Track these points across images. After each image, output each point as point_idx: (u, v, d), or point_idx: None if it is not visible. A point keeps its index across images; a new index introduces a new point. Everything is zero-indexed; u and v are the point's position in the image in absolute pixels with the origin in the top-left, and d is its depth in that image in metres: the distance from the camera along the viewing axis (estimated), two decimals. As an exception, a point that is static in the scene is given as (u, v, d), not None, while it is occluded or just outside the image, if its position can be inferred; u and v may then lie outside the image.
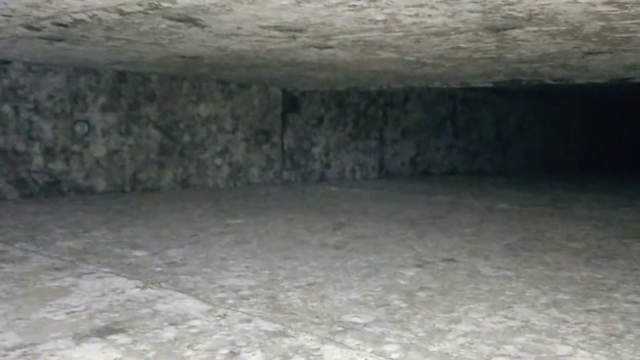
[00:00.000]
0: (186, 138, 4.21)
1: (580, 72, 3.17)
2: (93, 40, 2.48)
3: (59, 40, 2.48)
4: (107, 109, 3.79)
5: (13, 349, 1.24)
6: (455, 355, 1.25)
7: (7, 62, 3.37)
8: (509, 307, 1.64)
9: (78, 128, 3.65)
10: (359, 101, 5.33)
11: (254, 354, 1.25)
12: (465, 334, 1.40)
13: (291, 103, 4.89)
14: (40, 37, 2.44)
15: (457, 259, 2.24)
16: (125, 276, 1.87)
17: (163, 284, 1.79)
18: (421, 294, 1.77)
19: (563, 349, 1.30)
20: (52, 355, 1.22)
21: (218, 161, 4.42)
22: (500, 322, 1.50)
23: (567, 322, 1.50)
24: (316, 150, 5.08)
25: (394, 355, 1.25)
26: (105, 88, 3.77)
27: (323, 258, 2.21)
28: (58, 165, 3.59)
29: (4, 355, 1.21)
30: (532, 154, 7.23)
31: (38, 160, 3.50)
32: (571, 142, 7.86)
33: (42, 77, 3.50)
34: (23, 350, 1.24)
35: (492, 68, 3.09)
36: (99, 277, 1.83)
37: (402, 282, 1.90)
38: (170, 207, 3.45)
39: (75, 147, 3.66)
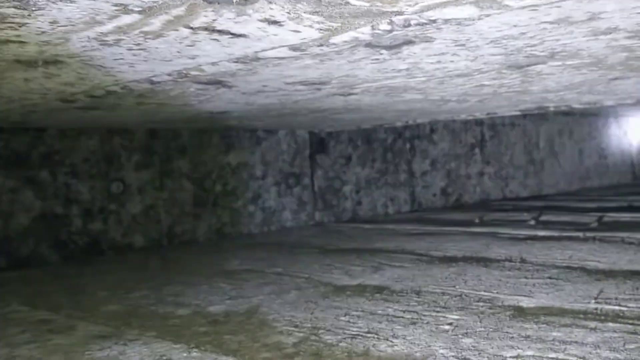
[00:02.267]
0: (218, 188, 4.28)
1: (607, 96, 3.15)
2: (125, 107, 2.56)
3: (93, 109, 2.57)
4: (141, 166, 3.88)
5: None
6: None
7: (43, 130, 3.49)
8: (563, 350, 1.62)
9: (114, 187, 3.74)
10: (385, 136, 5.35)
11: (305, 421, 1.25)
12: (516, 384, 1.38)
13: (319, 144, 4.93)
14: (75, 108, 2.53)
15: (499, 297, 2.21)
16: (170, 340, 1.89)
17: (208, 347, 1.80)
18: (467, 340, 1.75)
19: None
20: None
21: (251, 208, 4.47)
22: (551, 368, 1.47)
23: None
24: (347, 188, 5.10)
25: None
26: (138, 146, 3.87)
27: (365, 305, 2.21)
28: (96, 225, 3.67)
29: None
30: (567, 174, 7.13)
31: (77, 222, 3.59)
32: (606, 156, 7.74)
33: (77, 140, 3.61)
34: None
35: (518, 99, 3.09)
36: (145, 345, 1.86)
37: (446, 327, 1.88)
38: (208, 259, 3.49)
39: (112, 206, 3.75)
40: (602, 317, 1.90)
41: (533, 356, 1.58)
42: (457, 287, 2.45)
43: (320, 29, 1.32)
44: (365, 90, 2.46)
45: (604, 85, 2.68)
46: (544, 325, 1.86)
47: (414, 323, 1.96)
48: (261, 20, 1.23)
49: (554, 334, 1.76)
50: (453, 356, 1.62)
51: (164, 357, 1.72)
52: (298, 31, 1.32)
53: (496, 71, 2.14)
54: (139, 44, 1.42)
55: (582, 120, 7.39)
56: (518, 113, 4.00)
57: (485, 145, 6.25)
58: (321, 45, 1.51)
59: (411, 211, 5.55)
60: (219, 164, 4.29)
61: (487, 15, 1.31)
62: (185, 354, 1.74)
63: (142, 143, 3.90)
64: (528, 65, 2.07)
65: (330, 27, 1.30)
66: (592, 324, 1.83)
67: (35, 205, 3.45)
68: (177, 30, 1.29)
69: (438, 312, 2.08)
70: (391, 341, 1.78)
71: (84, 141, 3.65)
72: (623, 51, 1.84)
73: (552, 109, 3.76)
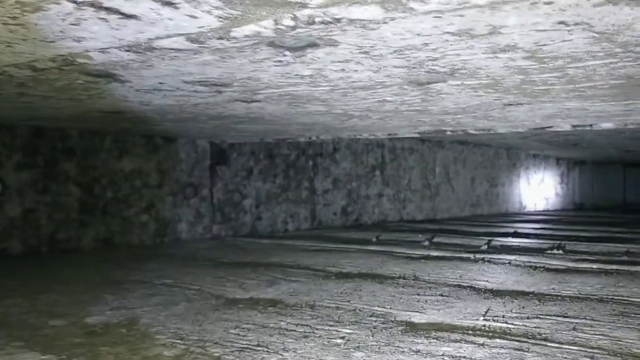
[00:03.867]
0: (109, 194, 4.04)
1: (501, 122, 3.27)
2: (4, 97, 2.34)
3: (-33, 96, 2.33)
4: (23, 166, 3.59)
5: None
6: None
7: None
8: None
9: (-10, 187, 3.43)
10: (288, 152, 5.32)
11: None
12: None
13: (220, 155, 4.81)
14: (-55, 93, 2.29)
15: (392, 312, 2.19)
16: (38, 350, 1.71)
17: (81, 358, 1.64)
18: (358, 353, 1.70)
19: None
20: None
21: (144, 217, 4.25)
22: None
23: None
24: (247, 202, 4.99)
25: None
26: (20, 145, 3.58)
27: (257, 318, 2.12)
28: (-33, 228, 3.34)
29: None
30: (460, 200, 7.41)
31: (-56, 223, 3.25)
32: (495, 185, 8.13)
33: (-50, 134, 3.28)
34: None
35: (418, 119, 3.15)
36: (8, 354, 1.66)
37: (338, 340, 1.83)
38: (91, 269, 3.25)
39: (-13, 208, 3.42)
40: (490, 334, 1.92)
41: (423, 370, 1.56)
42: (351, 302, 2.41)
43: (220, 17, 1.24)
44: (268, 97, 2.40)
45: (499, 110, 2.78)
46: (435, 340, 1.85)
47: (306, 337, 1.89)
48: (154, 0, 1.14)
49: (444, 349, 1.76)
50: (343, 370, 1.56)
51: (27, 370, 1.54)
52: (195, 16, 1.23)
53: (398, 86, 2.15)
54: (15, 18, 1.28)
55: (475, 150, 7.73)
56: (417, 135, 4.10)
57: (385, 168, 6.37)
58: (221, 38, 1.43)
59: (311, 228, 5.53)
60: (111, 169, 4.05)
61: (392, 19, 1.29)
62: (52, 368, 1.57)
63: (25, 142, 3.61)
64: (429, 83, 2.09)
65: (231, 15, 1.23)
66: (481, 340, 1.85)
67: None
68: (58, 3, 1.17)
69: (331, 326, 2.02)
70: (281, 354, 1.70)
71: (-42, 135, 3.32)
72: (519, 73, 1.90)
73: (449, 132, 3.88)
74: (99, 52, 1.55)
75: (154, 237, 4.32)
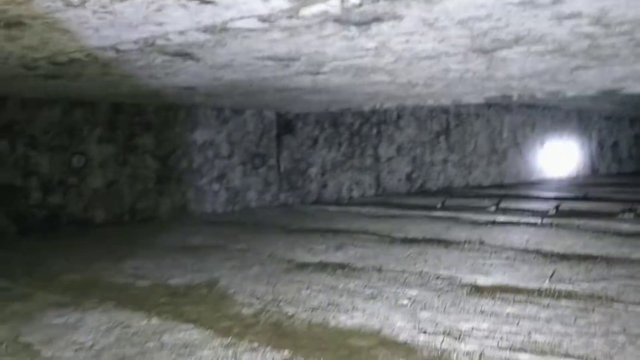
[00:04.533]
0: (183, 165, 4.24)
1: (569, 86, 3.22)
2: (89, 77, 2.51)
3: (55, 77, 2.52)
4: (104, 140, 3.82)
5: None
6: None
7: (3, 99, 3.40)
8: (517, 323, 1.67)
9: (75, 160, 3.68)
10: (352, 120, 5.38)
11: (263, 385, 1.28)
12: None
13: (286, 125, 4.93)
14: (36, 75, 2.48)
15: (457, 275, 2.26)
16: (130, 308, 1.89)
17: (168, 315, 1.80)
18: (424, 313, 1.79)
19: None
20: (64, 395, 1.24)
21: (215, 186, 4.45)
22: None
23: None
24: (312, 170, 5.11)
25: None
26: (101, 120, 3.81)
27: (326, 280, 2.24)
28: (56, 199, 3.61)
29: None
30: (528, 164, 7.28)
31: (36, 195, 3.53)
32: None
33: (38, 111, 3.53)
34: (35, 390, 1.26)
35: (483, 86, 3.14)
36: (104, 312, 1.85)
37: (405, 301, 1.92)
38: (171, 235, 3.47)
39: (73, 180, 3.68)
40: (556, 295, 1.96)
41: (487, 329, 1.63)
42: (417, 265, 2.49)
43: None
44: (333, 70, 2.47)
45: (566, 74, 2.75)
46: (499, 301, 1.91)
47: (374, 297, 1.99)
48: (231, -14, 1.23)
49: (509, 309, 1.82)
50: (411, 327, 1.66)
51: (123, 324, 1.71)
52: (267, 0, 1.32)
53: (462, 55, 2.17)
54: (104, 7, 1.40)
55: (545, 113, 7.54)
56: (483, 101, 4.07)
57: (450, 134, 6.33)
58: (290, 17, 1.51)
59: (376, 195, 5.60)
60: (184, 141, 4.25)
61: (455, -8, 1.33)
62: (144, 322, 1.74)
63: (106, 117, 3.83)
64: (493, 50, 2.11)
65: (300, -3, 1.31)
66: (546, 301, 1.89)
67: (-7, 176, 3.37)
68: (144, -8, 1.28)
69: (398, 288, 2.11)
70: (351, 314, 1.81)
71: (45, 112, 3.57)
72: (585, 39, 1.89)
73: (515, 98, 3.83)
74: (178, 34, 1.66)
75: (225, 205, 4.52)
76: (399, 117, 5.80)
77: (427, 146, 6.09)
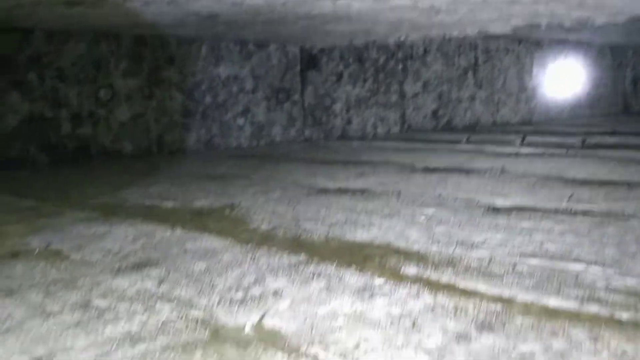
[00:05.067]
0: (208, 99, 4.28)
1: (598, 11, 3.13)
2: (111, 3, 2.53)
3: (77, 4, 2.54)
4: (129, 73, 3.87)
5: (57, 281, 1.35)
6: (469, 276, 1.32)
7: (29, 32, 3.45)
8: (530, 235, 1.70)
9: (102, 93, 3.74)
10: (377, 56, 5.32)
11: (278, 279, 1.34)
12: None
13: (309, 60, 4.90)
14: (59, 2, 2.51)
15: (476, 198, 2.28)
16: (155, 222, 1.96)
17: (191, 228, 1.88)
18: (439, 228, 1.83)
19: None
20: (98, 284, 1.32)
21: (240, 121, 4.49)
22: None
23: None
24: (337, 106, 5.11)
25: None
26: (126, 53, 3.84)
27: (346, 202, 2.28)
28: (85, 130, 3.69)
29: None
30: (558, 102, 7.14)
31: (66, 126, 3.62)
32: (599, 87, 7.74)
33: (64, 44, 3.58)
34: (68, 283, 1.34)
35: (509, 11, 3.07)
36: (131, 225, 1.93)
37: (421, 218, 1.96)
38: (196, 166, 3.54)
39: (101, 112, 3.76)
40: (572, 213, 1.98)
41: (500, 239, 1.66)
42: (436, 190, 2.52)
43: None
44: (353, -8, 2.44)
45: (594, -5, 2.67)
46: (515, 218, 1.93)
47: (391, 216, 2.03)
48: None
49: (523, 224, 1.84)
50: (425, 239, 1.70)
51: (148, 234, 1.79)
52: None
53: (485, -29, 2.12)
54: None
55: (577, 49, 7.33)
56: (510, 31, 3.98)
57: (478, 70, 6.22)
58: None
59: (401, 132, 5.59)
60: (208, 75, 4.27)
61: None
62: (168, 232, 1.81)
63: (130, 50, 3.87)
64: (517, -34, 2.06)
65: None
66: (561, 218, 1.91)
67: (23, 108, 3.46)
68: None
69: (415, 208, 2.15)
70: (367, 229, 1.85)
71: (72, 45, 3.62)
72: (611, -52, 1.83)
73: (543, 27, 3.74)
74: (193, -53, 1.66)
75: (250, 140, 4.57)
76: (425, 52, 5.71)
77: (454, 82, 6.00)
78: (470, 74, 6.15)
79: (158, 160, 3.83)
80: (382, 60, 5.37)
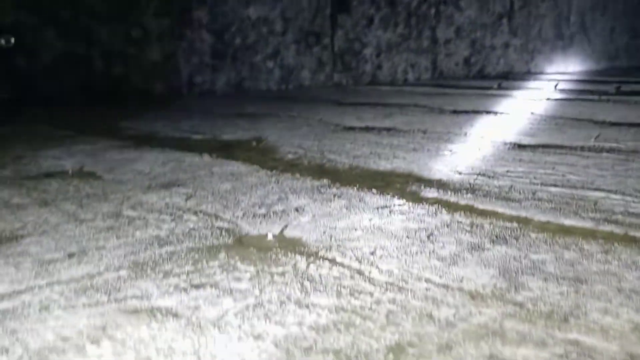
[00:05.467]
0: (237, 41, 4.28)
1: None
2: None
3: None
4: (160, 13, 3.88)
5: (90, 195, 1.41)
6: (488, 199, 1.35)
7: (63, -31, 3.48)
8: (552, 168, 1.70)
9: (134, 32, 3.78)
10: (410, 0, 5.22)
11: (300, 198, 1.38)
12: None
13: (340, 3, 4.84)
14: None
15: (502, 136, 2.28)
16: (184, 150, 2.02)
17: (219, 156, 1.93)
18: (462, 161, 1.84)
19: None
20: (128, 198, 1.38)
21: (270, 64, 4.49)
22: (537, 178, 1.57)
23: None
24: (367, 51, 5.06)
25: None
26: (157, -8, 3.85)
27: (371, 138, 2.30)
28: (118, 70, 3.75)
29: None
30: (595, 52, 6.94)
31: (99, 64, 3.67)
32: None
33: (97, -18, 3.61)
34: (100, 197, 1.41)
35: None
36: (161, 152, 1.99)
37: (445, 152, 1.98)
38: (226, 105, 3.58)
39: (132, 51, 3.80)
40: (598, 150, 1.97)
41: (522, 171, 1.67)
42: (463, 129, 2.52)
43: None
44: None
45: None
46: (540, 154, 1.93)
47: (416, 150, 2.05)
48: None
49: (548, 158, 1.84)
50: (447, 170, 1.71)
51: (177, 159, 1.84)
52: None
53: None
54: None
55: (619, -3, 7.07)
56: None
57: (513, 16, 6.06)
58: None
59: (432, 78, 5.53)
60: (239, 17, 4.26)
61: None
62: (197, 159, 1.86)
63: (162, -11, 3.87)
64: None
65: None
66: (587, 154, 1.90)
67: (57, 45, 3.52)
68: None
69: (440, 144, 2.16)
70: (391, 160, 1.88)
71: (104, -17, 3.64)
72: None
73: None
74: None
75: (279, 83, 4.57)
76: (459, -3, 5.58)
77: (488, 29, 5.87)
78: (504, 21, 6.00)
79: (188, 100, 3.88)
80: (414, 3, 5.27)
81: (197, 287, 0.89)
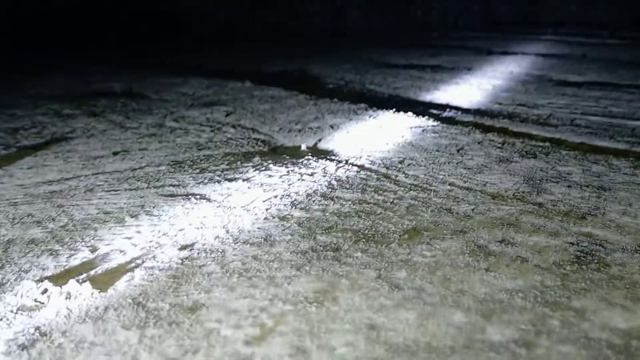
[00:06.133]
0: (286, -19, 4.26)
1: None
2: None
3: None
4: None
5: (136, 110, 1.48)
6: (524, 123, 1.34)
7: None
8: (596, 102, 1.67)
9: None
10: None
11: (336, 118, 1.41)
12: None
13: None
14: None
15: (549, 74, 2.23)
16: (224, 77, 2.06)
17: (260, 82, 1.96)
18: (504, 94, 1.82)
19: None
20: (172, 113, 1.44)
21: (317, 6, 4.46)
22: (578, 109, 1.54)
23: None
24: (418, -5, 4.95)
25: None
26: None
27: (414, 73, 2.29)
28: (164, 7, 3.80)
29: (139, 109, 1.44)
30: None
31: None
32: None
33: None
34: (145, 111, 1.47)
35: None
36: (205, 78, 2.04)
37: (489, 87, 1.96)
38: (261, 49, 3.59)
39: (183, -11, 3.83)
40: (647, 88, 1.91)
41: (563, 103, 1.65)
42: (509, 67, 2.47)
43: None
44: None
45: None
46: (585, 89, 1.89)
47: (458, 84, 2.03)
48: None
49: (592, 93, 1.80)
50: (487, 101, 1.71)
51: (220, 84, 1.89)
52: None
53: None
54: None
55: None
56: None
57: (574, -39, 5.79)
58: None
59: (484, 24, 5.38)
60: (288, -45, 4.22)
61: None
62: (239, 84, 1.91)
63: None
64: None
65: None
66: (633, 90, 1.85)
67: None
68: None
69: (484, 79, 2.14)
70: (432, 93, 1.87)
71: None
72: None
73: None
74: None
75: (328, 25, 4.55)
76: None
77: (546, -26, 5.64)
78: (565, -34, 5.75)
79: (230, 39, 3.91)
80: (469, -54, 5.10)
81: (230, 180, 0.94)
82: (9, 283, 0.61)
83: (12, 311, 0.56)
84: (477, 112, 1.54)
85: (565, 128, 1.32)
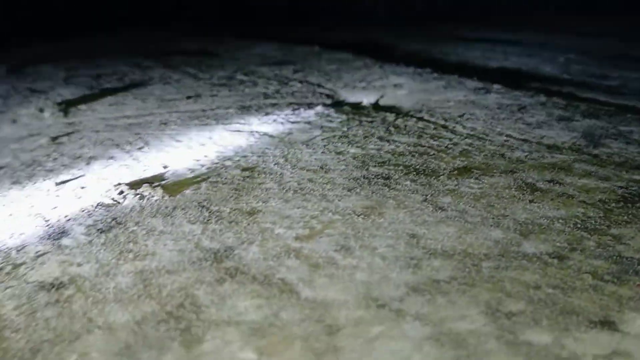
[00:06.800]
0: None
1: None
2: None
3: None
4: None
5: (209, 65, 1.55)
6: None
7: None
8: None
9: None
10: None
11: (400, 78, 1.43)
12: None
13: None
14: None
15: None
16: (297, 44, 2.12)
17: (330, 47, 2.01)
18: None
19: None
20: (241, 69, 1.51)
21: (392, -19, 4.44)
22: None
23: None
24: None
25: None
26: None
27: (486, 46, 2.28)
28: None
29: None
30: None
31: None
32: None
33: None
34: (217, 66, 1.54)
35: None
36: (275, 43, 2.10)
37: (561, 60, 1.93)
38: (340, 22, 3.62)
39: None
40: None
41: (638, 77, 1.61)
42: (586, 43, 2.41)
43: None
44: None
45: None
46: None
47: (530, 56, 2.01)
48: None
49: None
50: (557, 71, 1.68)
51: (290, 48, 1.95)
52: None
53: None
54: None
55: None
56: None
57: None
58: None
59: (579, 7, 5.20)
60: None
61: None
62: (308, 48, 1.96)
63: None
64: None
65: None
66: None
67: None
68: None
69: (556, 54, 2.10)
70: (501, 61, 1.86)
71: None
72: None
73: None
74: None
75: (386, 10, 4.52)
76: None
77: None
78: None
79: (307, 17, 3.97)
80: None
81: (292, 122, 0.99)
82: (89, 186, 0.69)
83: (92, 205, 0.63)
84: (545, 79, 1.52)
85: (634, 97, 1.30)
